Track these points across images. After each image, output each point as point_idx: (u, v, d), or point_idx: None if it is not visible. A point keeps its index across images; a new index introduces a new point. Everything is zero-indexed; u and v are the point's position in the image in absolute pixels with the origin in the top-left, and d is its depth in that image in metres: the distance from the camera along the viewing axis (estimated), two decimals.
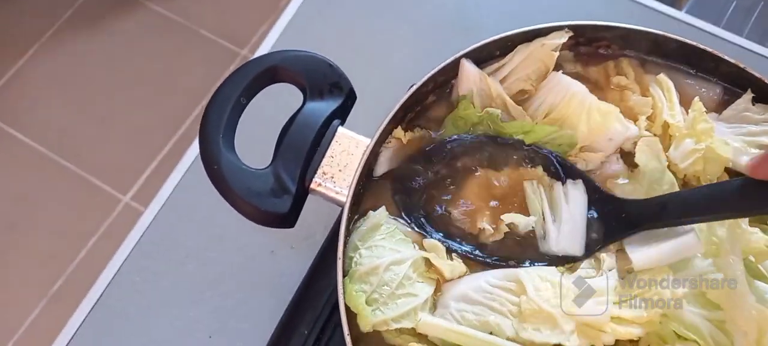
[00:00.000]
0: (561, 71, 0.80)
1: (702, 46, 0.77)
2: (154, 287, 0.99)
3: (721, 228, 0.66)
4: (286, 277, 0.98)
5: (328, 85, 0.75)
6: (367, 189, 0.77)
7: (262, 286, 0.99)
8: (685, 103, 0.79)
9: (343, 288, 0.68)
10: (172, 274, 0.99)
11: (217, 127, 0.70)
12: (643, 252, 0.67)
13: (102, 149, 2.12)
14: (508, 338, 0.65)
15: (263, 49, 1.18)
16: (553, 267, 0.69)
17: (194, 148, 1.10)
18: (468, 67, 0.79)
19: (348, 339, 0.66)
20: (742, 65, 0.77)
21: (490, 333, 0.66)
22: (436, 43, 1.12)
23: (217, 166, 0.69)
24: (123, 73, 2.23)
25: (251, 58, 0.73)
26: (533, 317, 0.65)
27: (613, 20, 0.81)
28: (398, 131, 0.77)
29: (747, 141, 0.74)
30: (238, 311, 0.97)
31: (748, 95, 0.76)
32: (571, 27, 0.78)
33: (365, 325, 0.66)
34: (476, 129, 0.77)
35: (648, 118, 0.77)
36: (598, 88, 0.81)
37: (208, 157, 0.69)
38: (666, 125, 0.76)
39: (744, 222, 0.66)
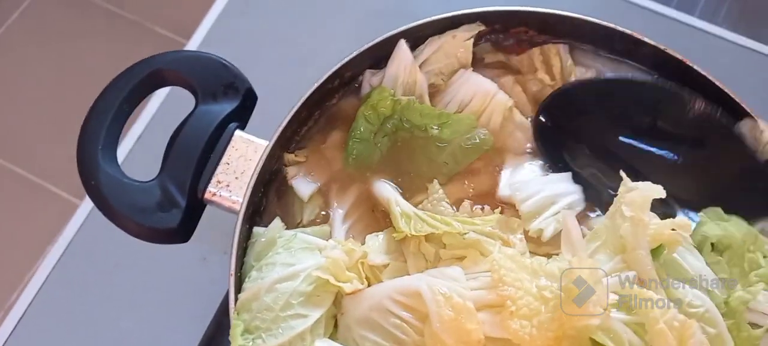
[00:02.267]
0: (482, 62, 0.76)
1: (619, 29, 0.72)
2: (80, 302, 0.93)
3: (625, 222, 0.61)
4: (219, 284, 0.93)
5: (221, 87, 0.69)
6: (273, 197, 0.72)
7: (194, 294, 0.94)
8: None
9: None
10: (101, 284, 0.94)
11: (95, 139, 0.64)
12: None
13: (56, 154, 2.06)
14: None
15: (193, 45, 1.13)
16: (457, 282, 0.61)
17: (122, 149, 1.06)
18: (405, 51, 0.73)
19: None
20: (662, 46, 0.72)
21: None
22: (355, 37, 1.08)
23: (95, 181, 0.63)
24: (74, 75, 2.17)
25: (135, 63, 0.68)
26: None
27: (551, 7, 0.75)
28: (289, 157, 0.72)
29: None
30: (169, 321, 0.92)
31: None
32: (481, 14, 0.73)
33: None
34: (387, 123, 0.71)
35: None
36: (519, 74, 0.77)
37: (84, 172, 0.63)
38: None
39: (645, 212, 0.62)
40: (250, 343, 0.60)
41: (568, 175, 0.71)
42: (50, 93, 2.15)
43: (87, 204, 1.03)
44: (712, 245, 0.66)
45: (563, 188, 0.68)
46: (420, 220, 0.64)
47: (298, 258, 0.64)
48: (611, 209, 0.63)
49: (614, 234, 0.62)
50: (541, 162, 0.72)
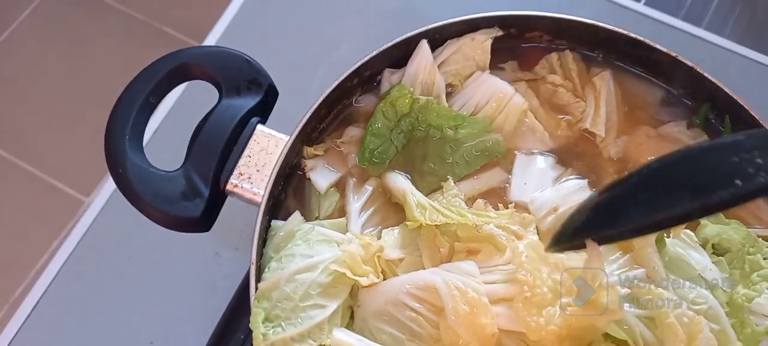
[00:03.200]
0: (498, 66, 0.77)
1: (632, 35, 0.73)
2: (94, 293, 0.94)
3: None
4: (230, 279, 0.94)
5: (245, 82, 0.70)
6: (291, 191, 0.73)
7: (206, 288, 0.95)
8: (628, 101, 0.77)
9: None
10: (114, 278, 0.95)
11: (122, 129, 0.65)
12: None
13: (63, 151, 2.07)
14: None
15: (210, 42, 1.14)
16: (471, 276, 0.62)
17: None
18: (426, 51, 0.75)
19: None
20: (673, 54, 0.73)
21: None
22: (375, 37, 1.09)
23: (123, 169, 0.64)
24: (84, 74, 2.18)
25: (161, 56, 0.70)
26: None
27: (571, 13, 0.77)
28: (308, 150, 0.73)
29: None
30: (180, 315, 0.92)
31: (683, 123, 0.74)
32: (499, 18, 0.75)
33: (258, 344, 0.61)
34: (403, 121, 0.73)
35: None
36: (533, 82, 0.78)
37: (112, 160, 0.64)
38: (586, 131, 0.75)
39: None
40: (271, 331, 0.62)
41: (583, 182, 0.72)
42: (59, 91, 2.16)
43: (102, 197, 1.04)
44: (713, 246, 0.67)
45: (579, 198, 0.67)
46: (435, 210, 0.65)
47: (317, 250, 0.65)
48: None
49: None
50: (551, 160, 0.73)
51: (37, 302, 0.95)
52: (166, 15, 2.24)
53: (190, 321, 0.93)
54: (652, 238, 0.62)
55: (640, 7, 1.12)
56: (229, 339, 0.91)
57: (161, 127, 1.03)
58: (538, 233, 0.66)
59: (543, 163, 0.73)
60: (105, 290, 0.95)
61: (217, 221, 0.98)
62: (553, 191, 0.70)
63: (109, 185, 1.04)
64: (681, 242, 0.65)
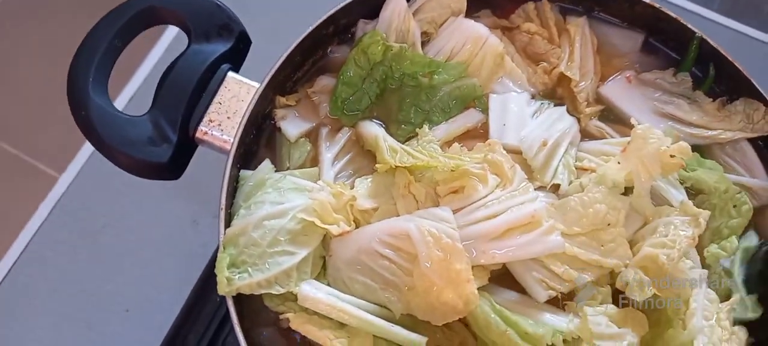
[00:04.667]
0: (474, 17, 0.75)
1: None
2: (68, 261, 0.91)
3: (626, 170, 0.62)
4: (209, 246, 0.91)
5: (215, 27, 0.67)
6: (263, 141, 0.71)
7: (183, 256, 0.92)
8: (604, 53, 0.75)
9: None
10: (88, 246, 0.92)
11: (86, 71, 0.62)
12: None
13: (41, 130, 2.04)
14: (396, 321, 0.59)
15: None
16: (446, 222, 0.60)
17: (125, 93, 1.03)
18: None
19: (230, 304, 0.60)
20: (656, 5, 0.71)
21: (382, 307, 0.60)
22: None
23: (85, 112, 0.61)
24: (64, 53, 2.14)
25: None
26: None
27: None
28: (280, 99, 0.71)
29: (653, 107, 0.72)
30: (157, 283, 0.90)
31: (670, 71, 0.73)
32: None
33: (222, 289, 0.59)
34: (376, 70, 0.70)
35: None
36: (508, 31, 0.76)
37: (74, 102, 0.61)
38: (562, 76, 0.73)
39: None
40: (236, 276, 0.59)
41: (562, 109, 0.70)
42: (39, 70, 2.13)
43: (76, 164, 1.01)
44: (687, 188, 0.66)
45: (562, 126, 0.68)
46: (405, 153, 0.63)
47: (288, 197, 0.63)
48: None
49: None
50: (525, 96, 0.71)
51: (9, 271, 0.92)
52: None
53: (166, 289, 0.90)
54: (648, 187, 0.61)
55: None
56: (206, 301, 0.89)
57: (148, 81, 1.01)
58: (530, 171, 0.65)
59: (518, 100, 0.70)
60: (79, 258, 0.92)
61: (195, 188, 0.96)
62: (536, 125, 0.68)
63: (84, 152, 1.02)
64: (664, 179, 0.63)
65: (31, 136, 2.05)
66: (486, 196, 0.61)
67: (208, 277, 0.90)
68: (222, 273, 0.59)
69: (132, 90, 1.01)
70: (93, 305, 0.90)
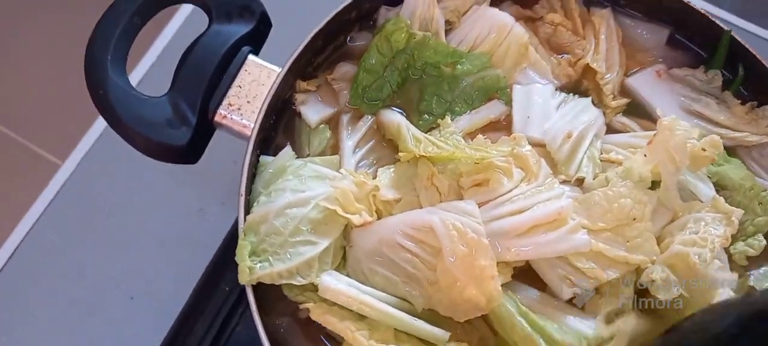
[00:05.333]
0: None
1: None
2: (72, 247, 0.89)
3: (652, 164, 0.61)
4: (216, 234, 0.89)
5: (236, 8, 0.65)
6: (282, 127, 0.69)
7: (188, 244, 0.90)
8: (628, 46, 0.74)
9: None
10: (93, 232, 0.90)
11: (104, 48, 0.60)
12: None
13: (41, 115, 2.01)
14: (418, 315, 0.57)
15: None
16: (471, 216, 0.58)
17: (138, 71, 1.01)
18: None
19: (250, 293, 0.59)
20: (685, 0, 0.70)
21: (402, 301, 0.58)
22: None
23: (103, 90, 0.59)
24: (65, 37, 2.12)
25: None
26: None
27: None
28: (300, 84, 0.69)
29: (681, 103, 0.70)
30: (162, 271, 0.88)
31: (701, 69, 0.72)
32: None
33: (244, 278, 0.57)
34: (398, 58, 0.68)
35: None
36: (531, 22, 0.75)
37: (92, 80, 0.59)
38: (587, 68, 0.71)
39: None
40: (257, 265, 0.58)
41: (586, 101, 0.69)
42: (39, 55, 2.10)
43: (81, 148, 0.99)
44: (713, 183, 0.65)
45: (587, 118, 0.66)
46: (430, 143, 0.61)
47: (309, 186, 0.61)
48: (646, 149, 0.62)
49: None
50: (550, 87, 0.70)
51: (12, 254, 0.90)
52: None
53: (171, 277, 0.88)
54: (676, 180, 0.60)
55: None
56: (214, 291, 0.87)
57: (161, 58, 0.99)
58: (554, 164, 0.64)
59: (543, 91, 0.69)
60: (84, 244, 0.90)
61: (201, 176, 0.94)
62: (560, 117, 0.66)
63: (89, 137, 1.00)
64: (692, 174, 0.62)
65: (33, 123, 2.03)
66: (511, 190, 0.59)
67: (217, 265, 0.89)
68: (244, 261, 0.57)
69: (143, 70, 0.98)
70: (97, 292, 0.88)
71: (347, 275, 0.61)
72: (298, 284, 0.58)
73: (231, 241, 0.90)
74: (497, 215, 0.59)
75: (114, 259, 0.90)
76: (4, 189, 1.90)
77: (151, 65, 0.99)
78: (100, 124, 1.01)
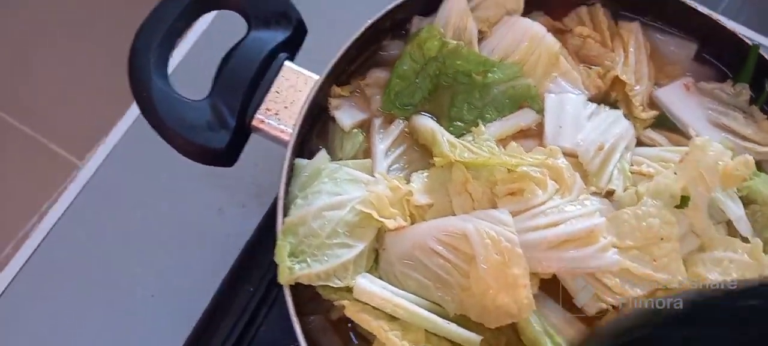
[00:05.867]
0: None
1: None
2: (95, 245, 0.90)
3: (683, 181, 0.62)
4: (235, 236, 0.90)
5: (274, 15, 0.67)
6: (315, 131, 0.70)
7: (208, 244, 0.91)
8: (656, 60, 0.75)
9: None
10: (115, 231, 0.91)
11: (147, 52, 0.61)
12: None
13: (60, 114, 2.02)
14: (451, 319, 0.58)
15: None
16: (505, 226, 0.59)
17: None
18: None
19: (287, 293, 0.60)
20: (714, 16, 0.70)
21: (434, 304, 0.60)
22: None
23: (147, 93, 0.60)
24: (85, 36, 2.12)
25: None
26: None
27: None
28: (335, 89, 0.70)
29: (709, 116, 0.71)
30: (182, 270, 0.89)
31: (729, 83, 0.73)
32: None
33: (283, 279, 0.58)
34: (430, 65, 0.69)
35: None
36: (560, 33, 0.75)
37: (137, 83, 0.60)
38: (616, 80, 0.72)
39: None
40: (296, 266, 0.59)
41: (618, 112, 0.69)
42: (58, 52, 2.11)
43: (107, 145, 1.00)
44: (740, 198, 0.66)
45: (619, 130, 0.67)
46: (465, 148, 0.62)
47: (344, 189, 0.62)
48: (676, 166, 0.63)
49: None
50: (582, 97, 0.70)
51: (36, 249, 0.91)
52: None
53: (192, 276, 0.89)
54: (706, 200, 0.60)
55: None
56: (238, 291, 0.88)
57: (185, 60, 1.00)
58: (585, 175, 0.64)
59: (575, 101, 0.69)
60: (107, 239, 0.91)
61: (220, 177, 0.95)
62: (591, 128, 0.67)
63: (113, 136, 1.01)
64: (721, 192, 0.63)
65: (50, 121, 2.04)
66: (544, 202, 0.60)
67: (241, 266, 0.90)
68: (283, 262, 0.58)
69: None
70: (119, 289, 0.89)
71: (380, 278, 0.62)
72: (334, 286, 0.59)
73: (255, 242, 0.91)
74: (530, 226, 0.60)
75: (135, 257, 0.91)
76: (27, 187, 1.91)
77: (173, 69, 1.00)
78: (123, 124, 1.02)
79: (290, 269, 0.58)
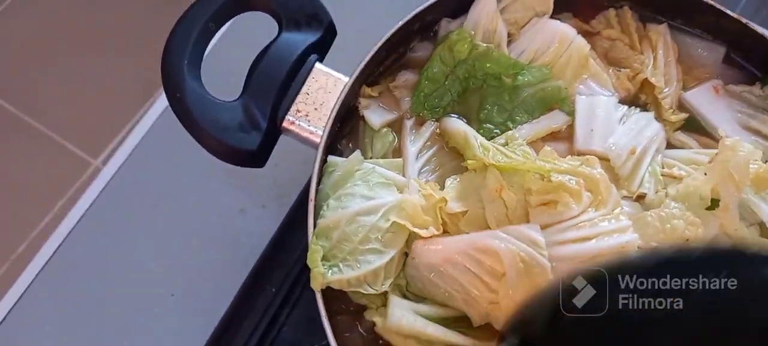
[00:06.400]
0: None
1: (708, 1, 0.70)
2: (115, 243, 0.90)
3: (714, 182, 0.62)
4: (255, 237, 0.90)
5: (305, 16, 0.66)
6: (345, 130, 0.71)
7: (229, 245, 0.90)
8: (684, 63, 0.75)
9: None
10: (136, 230, 0.91)
11: (181, 53, 0.61)
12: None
13: (73, 111, 2.02)
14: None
15: None
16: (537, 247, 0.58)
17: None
18: None
19: (319, 298, 0.60)
20: (744, 21, 0.70)
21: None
22: None
23: (181, 94, 0.60)
24: (98, 33, 2.13)
25: None
26: None
27: None
28: (365, 89, 0.70)
29: (739, 119, 0.71)
30: (202, 270, 0.88)
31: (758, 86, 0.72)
32: None
33: (316, 284, 0.58)
34: (460, 68, 0.69)
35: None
36: (588, 36, 0.74)
37: (170, 84, 0.60)
38: (645, 82, 0.72)
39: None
40: (329, 271, 0.59)
41: (649, 115, 0.69)
42: (71, 50, 2.12)
43: (129, 143, 1.00)
44: None
45: (650, 133, 0.67)
46: (499, 152, 0.62)
47: (377, 192, 0.62)
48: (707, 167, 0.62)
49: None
50: (614, 99, 0.70)
51: (57, 249, 0.91)
52: None
53: (212, 275, 0.89)
54: (736, 200, 0.60)
55: None
56: (259, 292, 0.88)
57: (214, 59, 1.00)
58: (616, 179, 0.64)
59: (606, 104, 0.69)
60: (127, 240, 0.91)
61: (242, 177, 0.95)
62: (624, 132, 0.66)
63: (135, 136, 1.01)
64: (754, 193, 0.63)
65: (64, 119, 2.05)
66: (578, 215, 0.59)
67: (263, 266, 0.90)
68: (316, 267, 0.58)
69: None
70: (139, 288, 0.89)
71: (406, 284, 0.62)
72: (365, 292, 0.60)
73: (277, 242, 0.91)
74: (562, 239, 0.59)
75: (156, 257, 0.91)
76: (41, 185, 1.91)
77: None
78: (144, 125, 1.02)
79: (322, 275, 0.58)
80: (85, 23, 2.17)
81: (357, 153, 0.65)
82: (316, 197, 0.63)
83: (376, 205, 0.61)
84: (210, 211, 0.93)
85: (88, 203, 0.96)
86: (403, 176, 0.66)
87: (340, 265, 0.60)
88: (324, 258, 0.60)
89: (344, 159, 0.65)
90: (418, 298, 0.63)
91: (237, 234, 0.93)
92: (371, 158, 0.68)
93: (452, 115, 0.71)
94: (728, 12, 0.71)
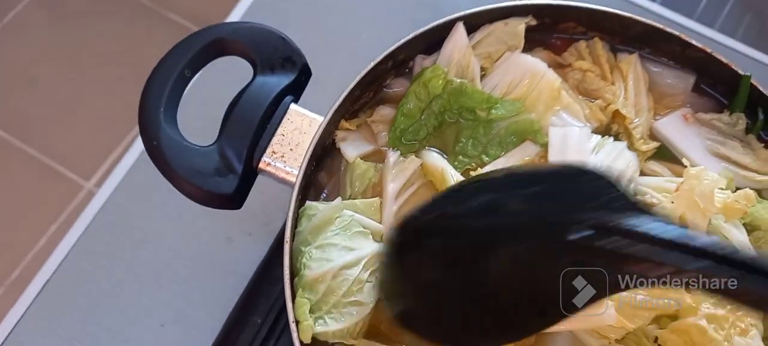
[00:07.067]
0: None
1: (668, 30, 0.71)
2: (105, 274, 0.91)
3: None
4: (242, 265, 0.91)
5: (279, 60, 0.67)
6: (323, 169, 0.71)
7: (217, 273, 0.91)
8: (655, 92, 0.76)
9: (291, 287, 0.61)
10: (125, 260, 0.92)
11: (157, 101, 0.62)
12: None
13: (64, 134, 2.03)
14: None
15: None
16: None
17: None
18: (462, 33, 0.72)
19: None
20: (709, 50, 0.71)
21: None
22: (403, 21, 1.06)
23: (157, 141, 0.61)
24: (87, 57, 2.14)
25: (197, 30, 0.68)
26: None
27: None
28: (342, 123, 0.71)
29: (709, 146, 0.72)
30: (191, 299, 0.89)
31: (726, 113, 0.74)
32: (533, 7, 0.72)
33: (306, 337, 0.59)
34: (435, 102, 0.70)
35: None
36: (560, 68, 0.76)
37: (147, 132, 0.61)
38: (616, 113, 0.73)
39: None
40: (316, 324, 0.60)
41: (622, 145, 0.70)
42: (62, 75, 2.13)
43: (115, 176, 1.01)
44: (744, 225, 0.66)
45: (623, 162, 0.68)
46: None
47: (357, 243, 0.63)
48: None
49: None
50: (587, 130, 0.71)
51: (48, 280, 0.91)
52: (172, 2, 2.21)
53: (201, 305, 0.90)
54: (703, 228, 0.61)
55: (655, 7, 1.12)
56: (245, 323, 0.89)
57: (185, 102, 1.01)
58: None
59: (579, 135, 0.69)
60: (116, 270, 0.91)
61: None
62: (597, 162, 0.67)
63: (122, 166, 1.02)
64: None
65: (54, 141, 2.05)
66: None
67: (249, 297, 0.91)
68: (306, 320, 0.59)
69: None
70: (128, 318, 0.90)
71: None
72: (346, 343, 0.61)
73: (261, 273, 0.92)
74: None
75: (145, 286, 0.92)
76: (39, 211, 1.91)
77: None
78: (132, 155, 1.03)
79: (311, 327, 0.59)
80: (75, 47, 2.18)
81: (338, 200, 0.66)
82: (293, 238, 0.64)
83: (358, 257, 0.62)
84: (197, 240, 0.94)
85: (77, 235, 0.97)
86: (381, 218, 0.67)
87: (325, 317, 0.61)
88: (310, 310, 0.61)
89: (324, 204, 0.66)
90: None
91: (225, 262, 0.94)
92: (350, 196, 0.69)
93: (430, 148, 0.72)
94: (693, 41, 0.72)
